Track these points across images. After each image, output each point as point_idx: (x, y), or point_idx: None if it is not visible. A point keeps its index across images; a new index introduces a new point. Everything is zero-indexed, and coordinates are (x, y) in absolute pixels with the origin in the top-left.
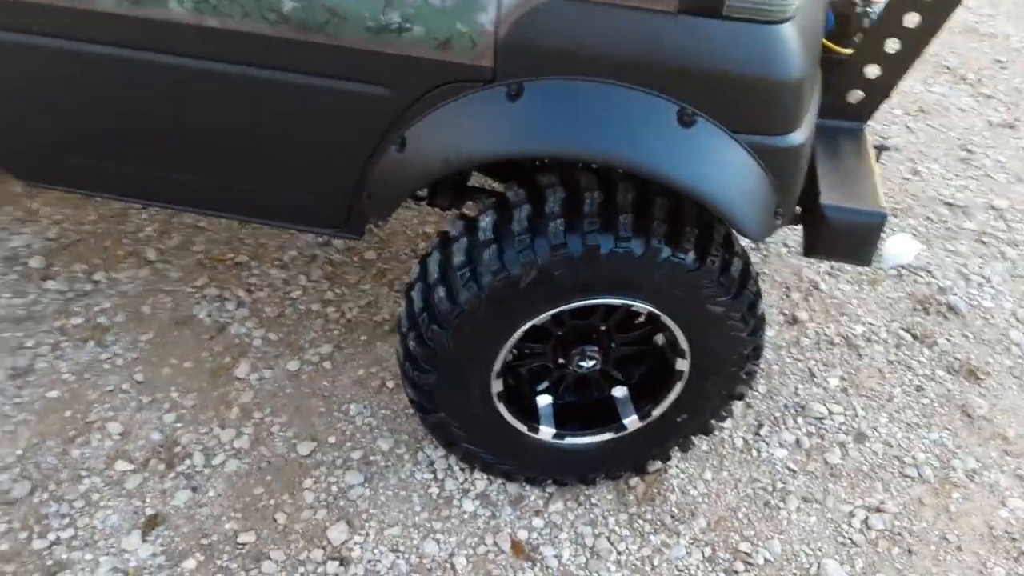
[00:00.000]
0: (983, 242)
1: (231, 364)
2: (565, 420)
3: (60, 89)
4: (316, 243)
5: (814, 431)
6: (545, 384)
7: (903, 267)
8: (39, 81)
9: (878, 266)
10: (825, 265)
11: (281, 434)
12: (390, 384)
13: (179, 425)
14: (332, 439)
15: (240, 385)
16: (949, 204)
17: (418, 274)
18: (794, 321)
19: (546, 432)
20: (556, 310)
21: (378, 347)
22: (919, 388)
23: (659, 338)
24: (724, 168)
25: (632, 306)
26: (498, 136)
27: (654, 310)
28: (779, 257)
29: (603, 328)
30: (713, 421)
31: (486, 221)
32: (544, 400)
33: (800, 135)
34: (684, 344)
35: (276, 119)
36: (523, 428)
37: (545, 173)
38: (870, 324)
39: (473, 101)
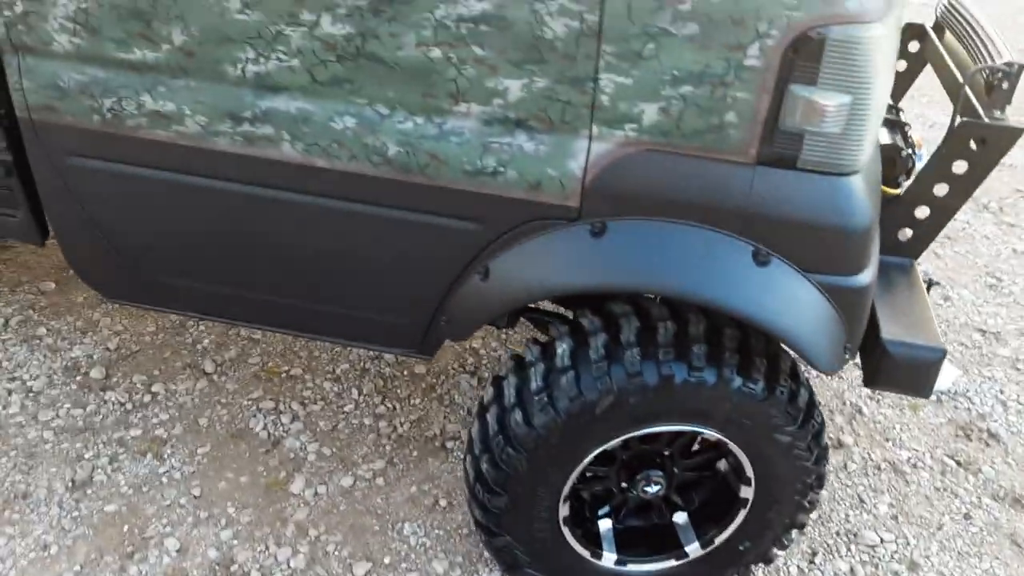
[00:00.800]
0: (1018, 368)
1: (286, 479)
2: (623, 545)
3: (171, 219)
4: (368, 357)
5: (867, 559)
6: (606, 508)
7: (942, 392)
8: (150, 210)
9: None
10: (866, 389)
11: (336, 553)
12: (443, 503)
13: (236, 542)
14: (387, 560)
15: (295, 501)
16: (982, 330)
17: (492, 396)
18: (840, 445)
19: (608, 558)
20: (628, 436)
21: (430, 463)
22: (967, 516)
23: (722, 464)
24: (797, 305)
25: (702, 434)
26: (582, 270)
27: (723, 438)
28: (820, 379)
29: (667, 453)
30: (774, 550)
31: (563, 347)
32: (605, 524)
33: (867, 275)
34: (750, 472)
35: (368, 249)
36: (586, 554)
37: (618, 303)
38: (915, 450)
39: (558, 237)
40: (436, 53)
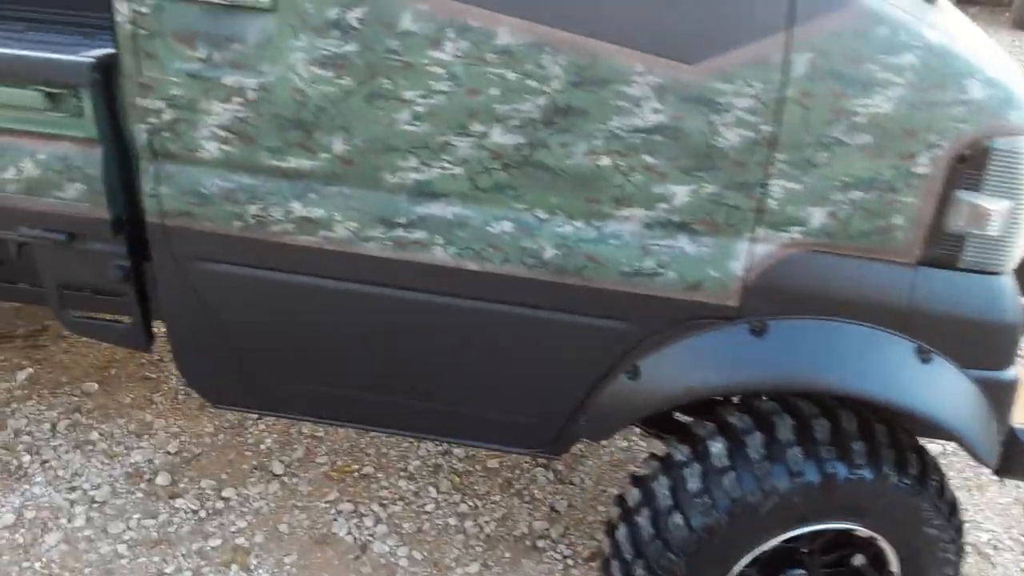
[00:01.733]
0: None
1: None
2: None
3: (304, 323)
4: (438, 451)
5: None
6: None
7: None
8: (283, 315)
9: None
10: None
11: None
12: None
13: None
14: None
15: None
16: None
17: (639, 499)
18: None
19: None
20: (785, 536)
21: (524, 565)
22: None
23: (858, 560)
24: (961, 400)
25: (854, 531)
26: (743, 369)
27: (874, 534)
28: None
29: (807, 550)
30: None
31: (717, 448)
32: None
33: (1015, 369)
34: (896, 567)
35: (513, 349)
36: None
37: (766, 401)
38: (992, 531)
39: (716, 336)
40: (605, 161)
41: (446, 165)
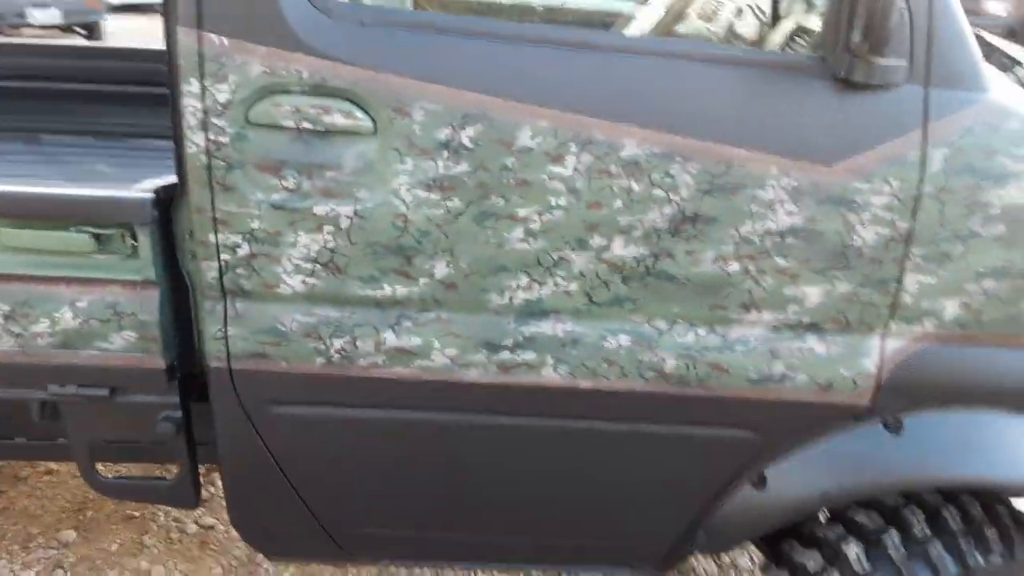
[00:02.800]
0: None
1: None
2: None
3: (395, 462)
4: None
5: None
6: None
7: None
8: (369, 455)
9: None
10: None
11: None
12: None
13: None
14: None
15: None
16: None
17: None
18: None
19: None
20: None
21: None
22: None
23: None
24: None
25: None
26: (882, 469)
27: None
28: None
29: None
30: None
31: (855, 552)
32: None
33: None
34: None
35: (628, 469)
36: None
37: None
38: None
39: (848, 437)
40: (734, 267)
41: (560, 281)
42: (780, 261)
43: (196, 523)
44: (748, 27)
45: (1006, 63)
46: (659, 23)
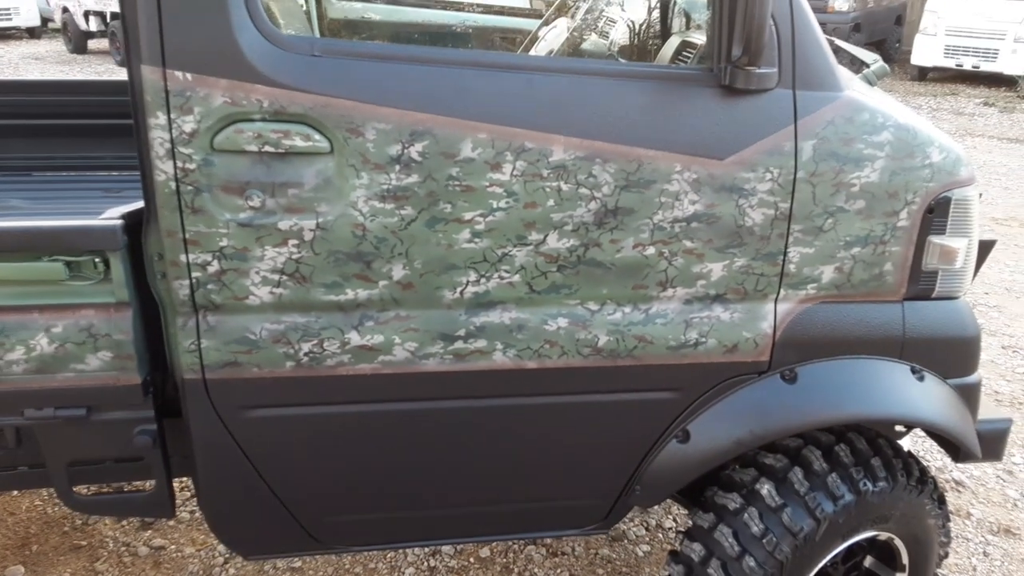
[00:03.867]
0: None
1: None
2: None
3: (360, 452)
4: (426, 554)
5: None
6: None
7: None
8: (337, 448)
9: None
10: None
11: None
12: None
13: None
14: None
15: None
16: None
17: (703, 552)
18: None
19: None
20: (834, 552)
21: None
22: (985, 554)
23: (867, 561)
24: (951, 407)
25: (876, 537)
26: (783, 415)
27: (892, 535)
28: None
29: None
30: None
31: (766, 488)
32: None
33: (979, 373)
34: (905, 558)
35: (570, 437)
36: None
37: (789, 438)
38: None
39: (755, 389)
40: (651, 251)
41: (504, 275)
42: (688, 243)
43: (146, 545)
44: (626, 40)
45: (856, 64)
46: (566, 41)
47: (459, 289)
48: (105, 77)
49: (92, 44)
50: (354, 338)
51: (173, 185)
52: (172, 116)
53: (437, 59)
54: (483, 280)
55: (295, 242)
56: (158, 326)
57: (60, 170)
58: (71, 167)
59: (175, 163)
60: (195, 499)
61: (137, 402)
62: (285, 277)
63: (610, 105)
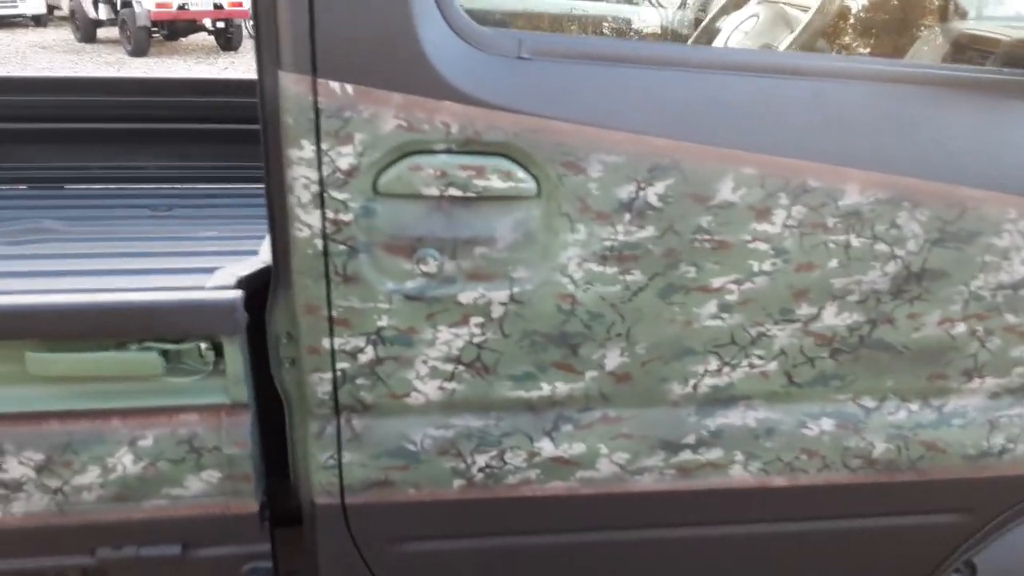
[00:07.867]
0: None
1: None
2: None
3: None
4: None
5: None
6: None
7: None
8: None
9: None
10: None
11: None
12: None
13: None
14: None
15: None
16: None
17: None
18: None
19: None
20: None
21: None
22: None
23: None
24: None
25: None
26: None
27: None
28: None
29: None
30: None
31: None
32: None
33: None
34: None
35: (817, 571)
36: None
37: None
38: None
39: None
40: (960, 328)
41: (756, 361)
42: (1011, 318)
43: None
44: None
45: None
46: (807, 25)
47: (692, 381)
48: (122, 71)
49: (101, 33)
50: (546, 447)
51: (319, 244)
52: (323, 146)
53: (692, 61)
54: (726, 369)
55: (479, 320)
56: (273, 427)
57: (95, 182)
58: (107, 178)
59: (323, 213)
60: None
61: (251, 534)
62: (461, 367)
63: (931, 126)
